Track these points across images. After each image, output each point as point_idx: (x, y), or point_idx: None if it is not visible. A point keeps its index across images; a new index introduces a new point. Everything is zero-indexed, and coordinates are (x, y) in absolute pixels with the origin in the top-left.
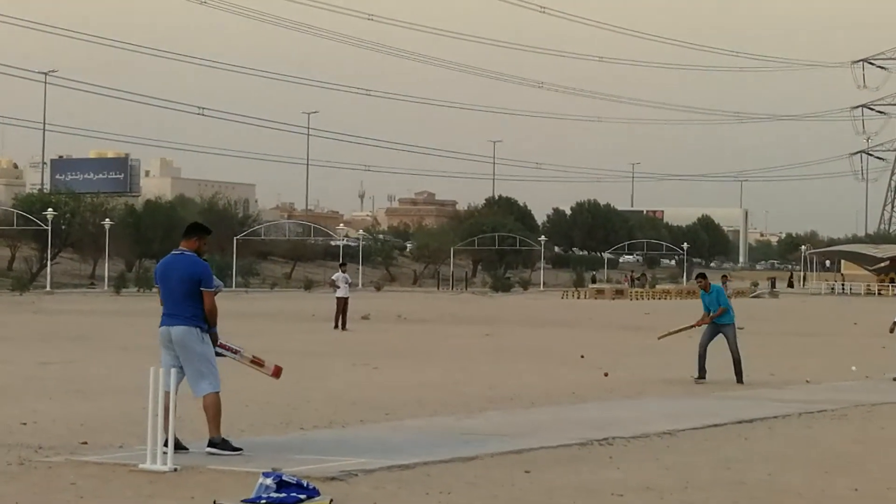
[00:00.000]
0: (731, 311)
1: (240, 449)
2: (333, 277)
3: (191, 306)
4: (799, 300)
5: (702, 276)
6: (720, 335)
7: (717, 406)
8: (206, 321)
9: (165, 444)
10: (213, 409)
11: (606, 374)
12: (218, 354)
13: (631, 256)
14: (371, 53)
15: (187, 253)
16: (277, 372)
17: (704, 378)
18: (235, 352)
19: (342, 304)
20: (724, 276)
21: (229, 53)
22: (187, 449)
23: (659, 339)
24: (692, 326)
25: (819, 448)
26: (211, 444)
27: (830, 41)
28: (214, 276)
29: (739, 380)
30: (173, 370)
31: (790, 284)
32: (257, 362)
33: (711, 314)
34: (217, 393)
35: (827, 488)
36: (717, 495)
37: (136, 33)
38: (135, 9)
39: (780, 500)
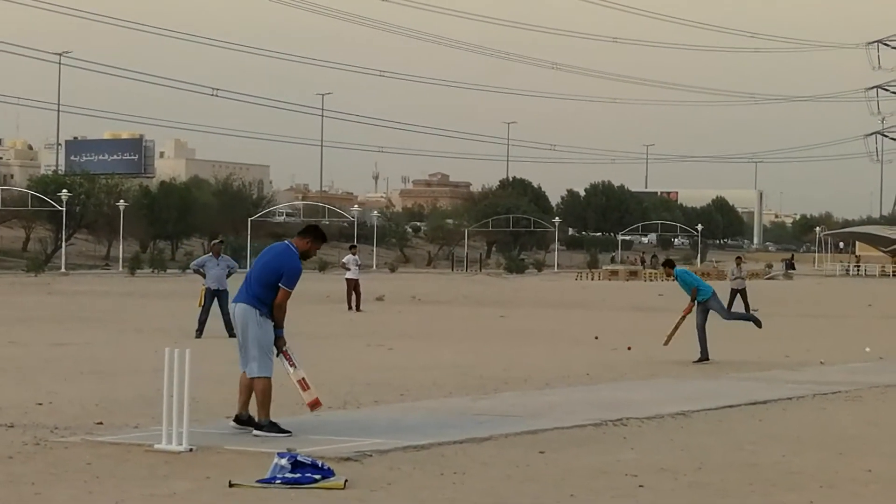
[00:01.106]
0: (703, 286)
1: (288, 432)
2: (344, 260)
3: (262, 292)
4: (814, 282)
5: (667, 263)
6: (711, 311)
7: (731, 387)
8: (270, 312)
9: (238, 419)
10: (262, 394)
11: (630, 348)
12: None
13: (645, 238)
14: (385, 35)
15: (292, 248)
16: (314, 404)
17: (707, 359)
18: (292, 365)
19: (353, 286)
20: (739, 258)
21: (244, 35)
22: (243, 424)
23: (665, 344)
24: (683, 317)
25: (833, 429)
26: (258, 426)
27: (845, 22)
28: (231, 259)
29: (757, 323)
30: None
31: (791, 266)
32: (303, 385)
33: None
34: (268, 378)
35: (841, 470)
36: (730, 476)
37: (151, 14)
38: None
39: (793, 481)
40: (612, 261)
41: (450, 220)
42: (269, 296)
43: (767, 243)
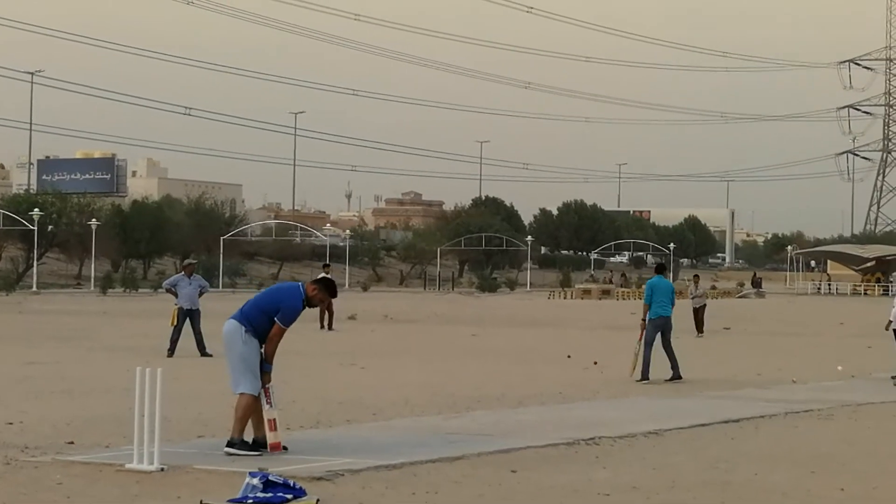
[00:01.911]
0: (664, 303)
1: (259, 451)
2: (320, 277)
3: (255, 316)
4: (785, 300)
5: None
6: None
7: (704, 406)
8: (261, 336)
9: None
10: (241, 411)
11: (595, 363)
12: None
13: (617, 257)
14: (357, 53)
15: (301, 289)
16: (274, 447)
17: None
18: (269, 403)
19: (325, 304)
20: (696, 276)
21: (216, 53)
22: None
23: (632, 376)
24: (640, 340)
25: (805, 448)
26: (229, 443)
27: (817, 42)
28: (203, 279)
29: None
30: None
31: (757, 285)
32: (272, 426)
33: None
34: (249, 395)
35: (813, 488)
36: (703, 495)
37: (122, 33)
38: (121, 8)
39: (766, 499)
40: (592, 278)
41: (404, 232)
42: (261, 322)
43: (739, 261)
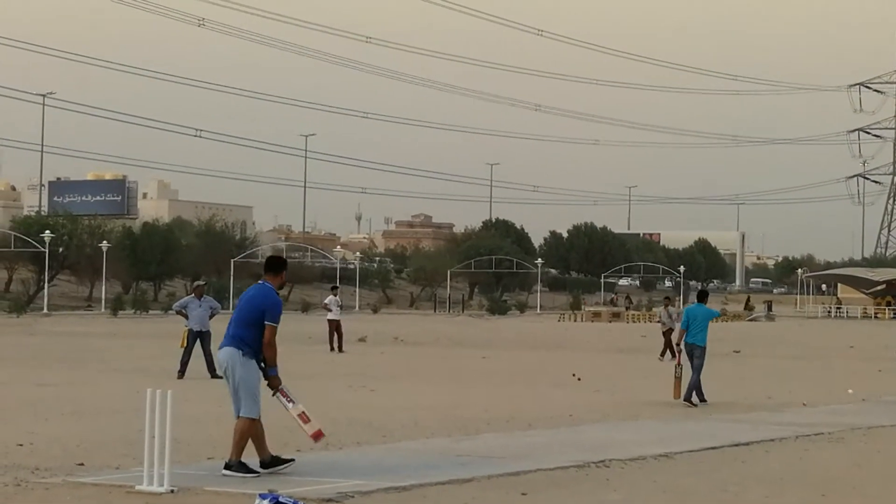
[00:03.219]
0: (694, 331)
1: (256, 472)
2: (326, 301)
3: (246, 333)
4: (796, 323)
5: (702, 293)
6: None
7: (714, 429)
8: (257, 350)
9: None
10: (239, 434)
11: (579, 379)
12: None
13: (627, 280)
14: (368, 76)
15: (267, 285)
16: (317, 436)
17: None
18: (290, 401)
19: (334, 326)
20: (667, 299)
21: (226, 75)
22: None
23: (678, 398)
24: (678, 364)
25: (816, 471)
26: (227, 466)
27: (827, 64)
28: (213, 300)
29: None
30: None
31: (747, 307)
32: (304, 419)
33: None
34: (250, 420)
35: None
36: None
37: (133, 55)
38: (131, 30)
39: None
40: (613, 302)
41: (403, 266)
42: (254, 336)
43: (757, 280)
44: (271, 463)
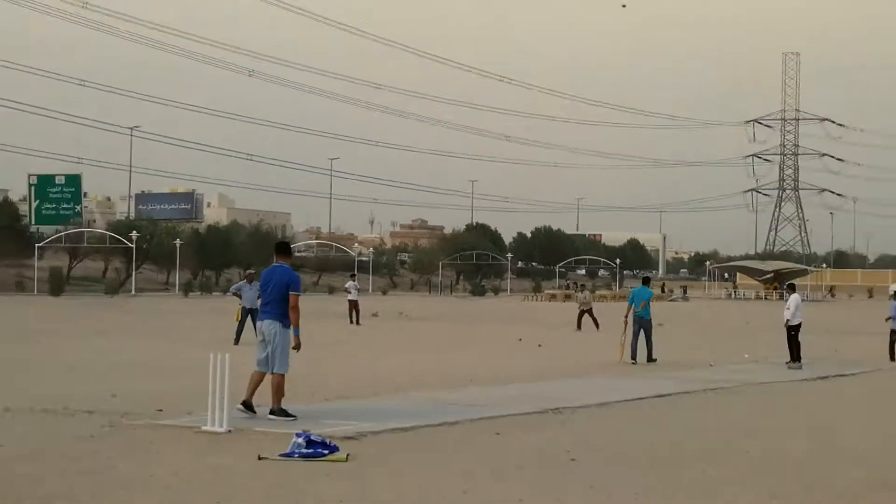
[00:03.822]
0: (637, 300)
1: (294, 416)
2: (346, 285)
3: (283, 308)
4: (705, 304)
5: (646, 279)
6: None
7: (642, 384)
8: (288, 318)
9: (244, 405)
10: (278, 387)
11: (540, 346)
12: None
13: (577, 271)
14: (378, 115)
15: (285, 265)
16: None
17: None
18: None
19: (353, 305)
20: (583, 285)
21: (272, 112)
22: (253, 411)
23: (621, 359)
24: (624, 333)
25: (720, 416)
26: (271, 412)
27: (730, 104)
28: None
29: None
30: (259, 351)
31: (663, 291)
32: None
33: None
34: (283, 375)
35: (728, 445)
36: (640, 452)
37: (199, 97)
38: (197, 79)
39: (688, 456)
40: (575, 286)
41: (406, 258)
42: (284, 306)
43: (683, 271)
44: (250, 407)
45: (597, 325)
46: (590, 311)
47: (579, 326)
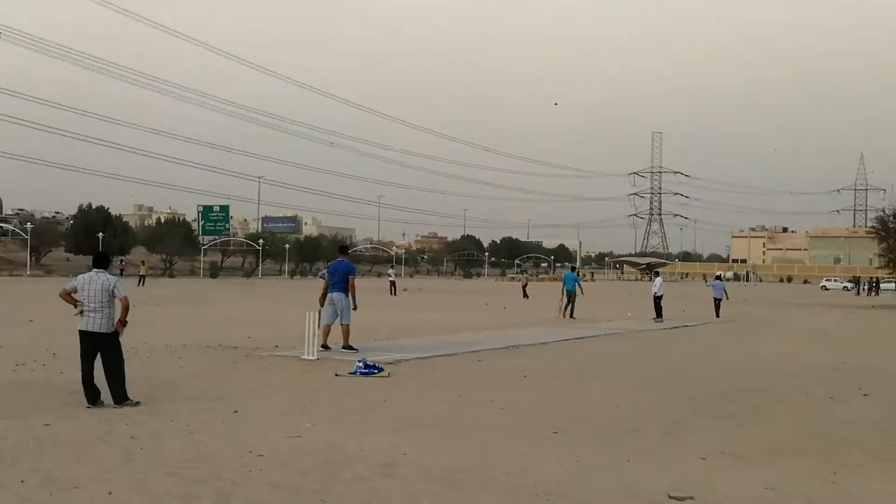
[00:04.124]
0: (569, 286)
1: (356, 349)
2: (389, 271)
3: (343, 284)
4: (607, 283)
5: (573, 268)
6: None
7: (568, 331)
8: (349, 291)
9: (324, 346)
10: (345, 332)
11: (505, 308)
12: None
13: (529, 263)
14: (405, 169)
15: (345, 260)
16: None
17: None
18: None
19: (392, 284)
20: (524, 271)
21: (348, 167)
22: (329, 348)
23: (560, 315)
24: (561, 300)
25: (613, 350)
26: (343, 347)
27: (620, 161)
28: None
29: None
30: (330, 313)
31: (578, 274)
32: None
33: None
34: (348, 325)
35: (616, 367)
36: (564, 371)
37: (290, 156)
38: (285, 151)
39: (593, 373)
40: (517, 273)
41: (424, 256)
42: (346, 284)
43: (592, 263)
44: (325, 347)
45: (525, 295)
46: (524, 287)
47: (525, 295)
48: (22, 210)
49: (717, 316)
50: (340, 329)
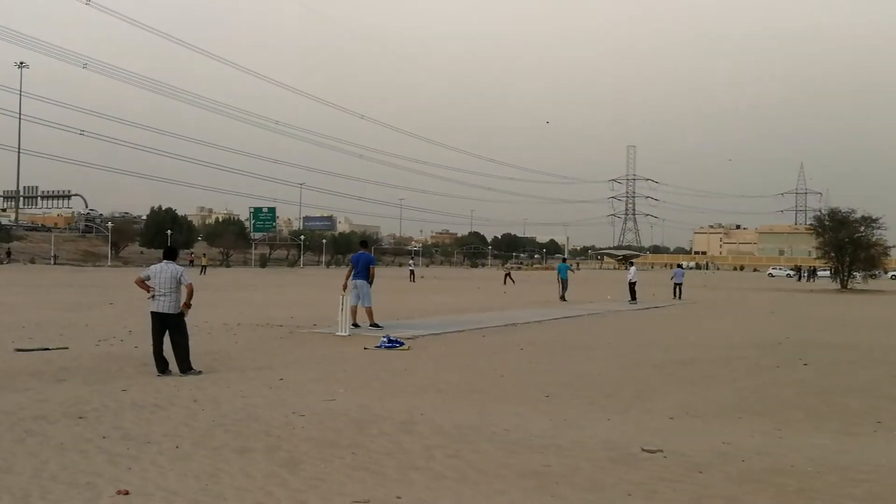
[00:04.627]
0: (563, 274)
1: (381, 327)
2: (409, 262)
3: (365, 273)
4: (590, 272)
5: (564, 259)
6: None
7: (560, 311)
8: (369, 279)
9: (354, 325)
10: (369, 313)
11: (505, 293)
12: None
13: (524, 255)
14: (426, 177)
15: (366, 252)
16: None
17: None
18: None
19: (412, 272)
20: (508, 263)
21: (380, 178)
22: (359, 326)
23: (560, 298)
24: (559, 285)
25: (596, 327)
26: (370, 325)
27: (601, 169)
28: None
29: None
30: (354, 296)
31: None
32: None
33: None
34: (370, 307)
35: (598, 341)
36: (556, 345)
37: (329, 167)
38: (325, 162)
39: (580, 346)
40: (507, 263)
41: (438, 249)
42: (367, 273)
43: (579, 256)
44: (355, 325)
45: (505, 282)
46: (509, 274)
47: (511, 281)
48: (93, 210)
49: (679, 298)
50: (364, 311)
